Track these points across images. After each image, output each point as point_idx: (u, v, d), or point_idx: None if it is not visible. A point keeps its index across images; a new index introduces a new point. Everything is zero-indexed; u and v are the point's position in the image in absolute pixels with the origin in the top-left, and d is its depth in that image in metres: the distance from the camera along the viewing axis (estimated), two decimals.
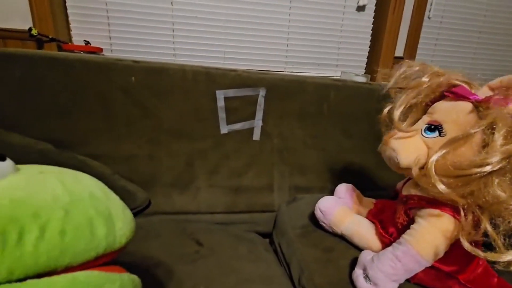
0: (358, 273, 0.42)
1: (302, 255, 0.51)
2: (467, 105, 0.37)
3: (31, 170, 0.28)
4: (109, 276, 0.26)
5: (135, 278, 0.29)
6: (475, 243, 0.38)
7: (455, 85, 0.40)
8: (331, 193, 0.62)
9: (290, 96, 0.75)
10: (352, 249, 0.50)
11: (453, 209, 0.38)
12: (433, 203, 0.39)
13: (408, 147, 0.40)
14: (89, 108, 0.62)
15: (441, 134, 0.39)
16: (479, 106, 0.36)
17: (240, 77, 0.70)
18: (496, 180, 0.32)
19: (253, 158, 0.72)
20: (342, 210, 0.53)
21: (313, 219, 0.57)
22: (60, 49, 0.87)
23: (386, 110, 0.45)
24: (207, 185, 0.68)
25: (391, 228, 0.46)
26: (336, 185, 0.62)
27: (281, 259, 0.57)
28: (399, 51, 1.19)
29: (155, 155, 0.66)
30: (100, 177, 0.56)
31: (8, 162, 0.26)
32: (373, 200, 0.58)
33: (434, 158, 0.36)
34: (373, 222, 0.51)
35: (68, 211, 0.25)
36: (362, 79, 1.02)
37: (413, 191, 0.43)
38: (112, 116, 0.63)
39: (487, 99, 0.36)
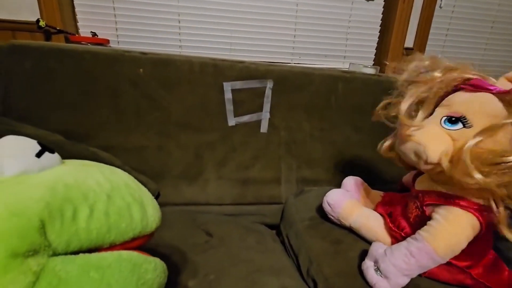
0: (368, 264, 0.42)
1: (310, 247, 0.51)
2: (490, 96, 0.38)
3: (74, 163, 0.32)
4: (146, 258, 0.30)
5: (163, 263, 0.32)
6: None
7: (469, 79, 0.40)
8: (339, 186, 0.62)
9: (298, 88, 0.74)
10: (360, 241, 0.50)
11: (474, 207, 0.37)
12: (453, 200, 0.39)
13: (434, 140, 0.39)
14: (99, 100, 0.62)
15: (466, 125, 0.38)
16: (503, 97, 0.37)
17: (248, 69, 0.70)
18: None
19: (261, 151, 0.72)
20: (350, 203, 0.53)
21: (321, 211, 0.57)
22: (67, 40, 0.87)
23: (382, 104, 0.44)
24: (215, 177, 0.69)
25: (402, 222, 0.46)
26: (343, 178, 0.62)
27: (289, 250, 0.58)
28: (409, 42, 1.17)
29: (164, 147, 0.66)
30: None
31: (56, 155, 0.30)
32: (381, 193, 0.58)
33: (470, 144, 0.35)
34: (381, 215, 0.51)
35: (110, 196, 0.28)
36: (371, 70, 1.00)
37: (430, 187, 0.43)
38: (121, 108, 0.64)
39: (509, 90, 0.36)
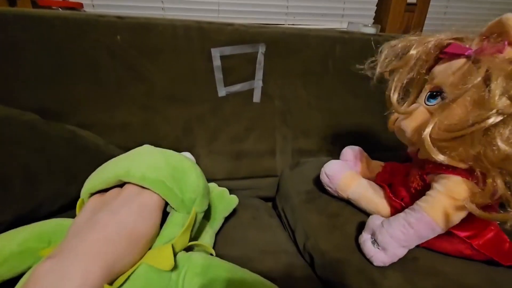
0: (365, 237, 0.41)
1: (307, 221, 0.50)
2: (461, 62, 0.34)
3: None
4: None
5: None
6: (490, 207, 0.36)
7: (447, 45, 0.37)
8: (337, 156, 0.59)
9: (292, 53, 0.68)
10: (358, 214, 0.49)
11: (473, 174, 0.35)
12: (452, 169, 0.36)
13: (415, 123, 0.38)
14: (74, 72, 0.57)
15: (444, 98, 0.36)
16: (474, 61, 0.33)
17: (237, 32, 0.64)
18: (499, 135, 0.30)
19: (254, 122, 0.68)
20: (349, 174, 0.51)
21: (318, 184, 0.55)
22: (35, 5, 0.78)
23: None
24: (207, 152, 0.66)
25: (402, 192, 0.45)
26: (342, 148, 0.59)
27: (285, 225, 0.57)
28: None
29: (150, 122, 0.62)
30: (94, 148, 0.53)
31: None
32: (382, 163, 0.55)
33: (427, 129, 0.34)
34: (381, 186, 0.49)
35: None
36: (371, 30, 0.93)
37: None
38: (101, 80, 0.58)
39: (478, 50, 0.33)
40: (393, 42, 0.40)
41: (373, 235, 0.40)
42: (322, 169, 0.53)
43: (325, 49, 0.70)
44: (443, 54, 0.37)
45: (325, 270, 0.43)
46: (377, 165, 0.55)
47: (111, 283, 0.25)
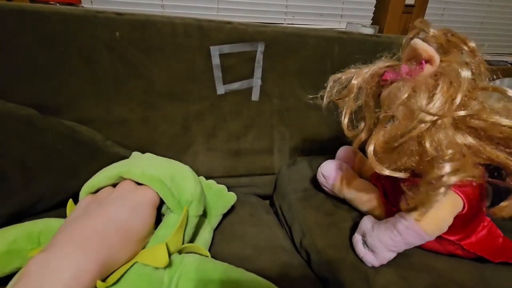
0: (357, 238, 0.42)
1: (303, 219, 0.50)
2: (397, 85, 0.37)
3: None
4: None
5: None
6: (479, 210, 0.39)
7: (383, 73, 0.39)
8: (333, 155, 0.60)
9: (291, 52, 0.69)
10: (354, 212, 0.50)
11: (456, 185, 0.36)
12: None
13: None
14: (73, 68, 0.56)
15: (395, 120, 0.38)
16: (404, 82, 0.36)
17: (236, 31, 0.64)
18: (427, 141, 0.32)
19: (252, 120, 0.69)
20: (344, 174, 0.52)
21: (315, 182, 0.56)
22: (33, 0, 0.77)
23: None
24: (205, 149, 0.66)
25: (393, 195, 0.45)
26: (338, 147, 0.60)
27: (282, 222, 0.57)
28: None
29: (149, 119, 0.62)
30: (92, 144, 0.53)
31: None
32: None
33: (371, 145, 0.37)
34: (376, 186, 0.50)
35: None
36: (369, 30, 0.94)
37: None
38: (99, 76, 0.58)
39: (404, 73, 0.36)
40: (337, 76, 0.44)
41: (363, 236, 0.41)
42: (319, 169, 0.54)
43: (323, 49, 0.71)
44: (383, 81, 0.40)
45: (321, 267, 0.43)
46: None
47: (104, 280, 0.25)
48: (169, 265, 0.29)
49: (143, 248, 0.30)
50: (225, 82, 0.66)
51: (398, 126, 0.35)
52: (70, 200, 0.35)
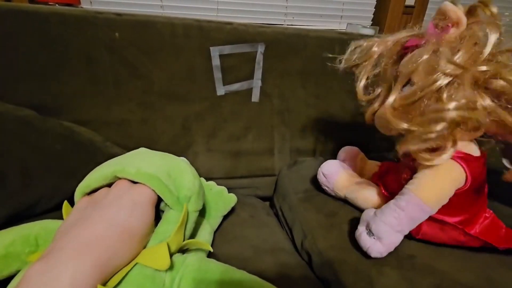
0: (361, 230, 0.41)
1: (304, 220, 0.50)
2: (422, 50, 0.37)
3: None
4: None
5: None
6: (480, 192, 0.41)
7: (406, 42, 0.40)
8: (334, 156, 0.60)
9: (291, 53, 0.69)
10: (355, 212, 0.49)
11: (459, 155, 0.37)
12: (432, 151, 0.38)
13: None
14: (72, 68, 0.56)
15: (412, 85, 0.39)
16: (425, 44, 0.37)
17: (237, 31, 0.64)
18: (445, 95, 0.34)
19: (253, 121, 0.68)
20: (345, 173, 0.52)
21: (315, 183, 0.56)
22: (32, 1, 0.77)
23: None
24: (205, 150, 0.66)
25: (393, 185, 0.45)
26: (339, 147, 0.60)
27: (283, 223, 0.57)
28: (410, 0, 1.09)
29: (148, 120, 0.62)
30: (91, 145, 0.53)
31: None
32: (378, 163, 0.56)
33: (389, 100, 0.38)
34: (377, 185, 0.49)
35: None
36: (369, 31, 0.94)
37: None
38: (98, 77, 0.58)
39: (428, 35, 0.37)
40: (359, 42, 0.45)
41: (367, 226, 0.40)
42: (319, 168, 0.53)
43: (324, 50, 0.71)
44: (405, 49, 0.40)
45: (323, 268, 0.43)
46: (374, 165, 0.56)
47: (105, 283, 0.25)
48: (171, 266, 0.29)
49: (144, 247, 0.30)
50: (225, 83, 0.65)
51: (417, 84, 0.36)
52: (66, 202, 0.35)
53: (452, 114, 0.33)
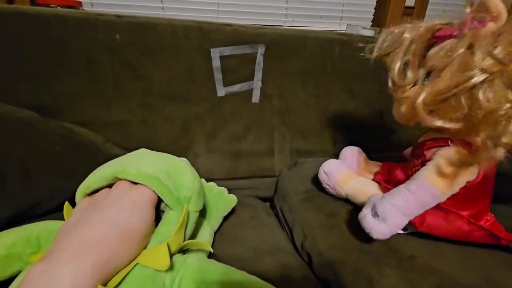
0: (365, 212, 0.40)
1: (305, 220, 0.50)
2: (450, 41, 0.37)
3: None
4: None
5: None
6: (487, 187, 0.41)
7: (438, 30, 0.39)
8: (334, 156, 0.60)
9: (291, 54, 0.69)
10: (356, 213, 0.48)
11: (468, 142, 0.37)
12: (453, 141, 0.39)
13: (411, 98, 0.40)
14: (73, 69, 0.56)
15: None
16: (459, 36, 0.36)
17: (237, 33, 0.64)
18: (480, 93, 0.32)
19: (253, 122, 0.69)
20: (346, 171, 0.51)
21: (316, 183, 0.56)
22: (33, 3, 0.78)
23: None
24: (205, 151, 0.66)
25: (399, 177, 0.46)
26: (340, 148, 0.60)
27: (283, 224, 0.57)
28: (410, 1, 1.09)
29: (148, 120, 0.62)
30: (91, 146, 0.53)
31: None
32: (380, 163, 0.56)
33: (421, 97, 0.37)
34: (379, 184, 0.49)
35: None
36: (369, 32, 0.94)
37: (432, 135, 0.44)
38: (99, 77, 0.58)
39: (462, 26, 0.36)
40: (390, 29, 0.43)
41: (373, 208, 0.40)
42: (321, 167, 0.53)
43: (323, 50, 0.71)
44: (435, 38, 0.39)
45: (323, 269, 0.43)
46: (375, 165, 0.56)
47: (105, 284, 0.25)
48: (171, 266, 0.29)
49: (145, 247, 0.30)
50: (225, 84, 0.66)
51: (450, 78, 0.35)
52: (67, 203, 0.35)
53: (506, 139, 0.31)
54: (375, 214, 0.39)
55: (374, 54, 0.44)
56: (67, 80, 0.56)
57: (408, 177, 0.44)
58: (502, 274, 0.38)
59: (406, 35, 0.40)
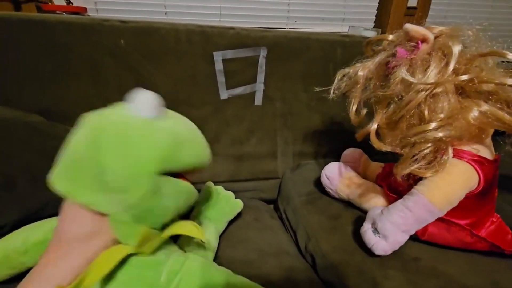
0: (366, 227, 0.41)
1: (308, 222, 0.50)
2: (396, 73, 0.38)
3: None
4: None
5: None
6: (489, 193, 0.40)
7: (387, 62, 0.40)
8: (336, 158, 0.60)
9: (293, 56, 0.69)
10: (358, 215, 0.49)
11: (473, 158, 0.37)
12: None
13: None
14: (78, 74, 0.57)
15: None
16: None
17: (239, 36, 0.64)
18: (426, 109, 0.35)
19: (255, 124, 0.69)
20: (348, 175, 0.52)
21: (318, 185, 0.56)
22: (39, 10, 0.79)
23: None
24: None
25: (400, 187, 0.45)
26: (342, 150, 0.60)
27: (287, 226, 0.57)
28: (413, 1, 1.09)
29: None
30: None
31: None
32: (382, 164, 0.56)
33: (374, 125, 0.40)
34: (381, 186, 0.49)
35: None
36: (371, 34, 0.94)
37: None
38: (103, 82, 0.59)
39: (399, 56, 0.37)
40: (344, 70, 0.46)
41: (373, 224, 0.40)
42: (322, 171, 0.53)
43: (326, 52, 0.71)
44: (388, 70, 0.40)
45: (327, 270, 0.43)
46: (377, 166, 0.56)
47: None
48: (168, 262, 0.29)
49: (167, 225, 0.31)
50: (228, 87, 0.66)
51: (397, 103, 0.37)
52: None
53: (434, 135, 0.34)
54: (376, 231, 0.39)
55: (332, 95, 0.47)
56: (72, 84, 0.57)
57: (408, 178, 0.44)
58: (509, 278, 0.38)
59: (360, 73, 0.43)
